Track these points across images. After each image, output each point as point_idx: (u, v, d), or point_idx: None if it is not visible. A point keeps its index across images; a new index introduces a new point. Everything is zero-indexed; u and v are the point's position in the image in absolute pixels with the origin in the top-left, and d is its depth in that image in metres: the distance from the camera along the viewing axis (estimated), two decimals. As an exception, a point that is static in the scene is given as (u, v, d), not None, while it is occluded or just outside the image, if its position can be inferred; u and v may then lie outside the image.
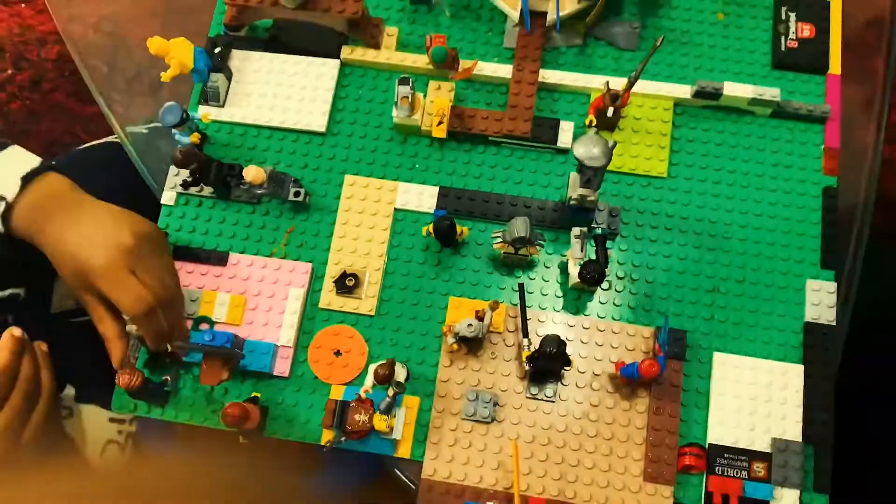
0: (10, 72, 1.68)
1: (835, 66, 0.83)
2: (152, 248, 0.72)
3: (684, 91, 0.81)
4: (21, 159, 0.74)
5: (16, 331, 0.71)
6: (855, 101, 0.88)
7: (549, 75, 0.83)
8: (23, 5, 1.74)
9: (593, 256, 0.74)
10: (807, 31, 0.83)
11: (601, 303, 0.76)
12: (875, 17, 0.93)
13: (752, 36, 0.85)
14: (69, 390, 0.85)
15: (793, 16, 0.84)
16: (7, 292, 0.81)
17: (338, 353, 0.76)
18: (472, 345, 0.75)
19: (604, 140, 0.67)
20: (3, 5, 1.74)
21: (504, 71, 0.83)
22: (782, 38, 0.83)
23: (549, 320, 0.76)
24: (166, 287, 0.72)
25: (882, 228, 0.87)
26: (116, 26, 1.15)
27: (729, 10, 0.86)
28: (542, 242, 0.74)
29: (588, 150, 0.67)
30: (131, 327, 0.72)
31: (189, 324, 0.77)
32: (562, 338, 0.69)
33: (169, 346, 0.72)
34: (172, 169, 0.82)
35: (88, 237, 0.69)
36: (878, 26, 0.89)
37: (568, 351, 0.70)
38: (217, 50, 0.84)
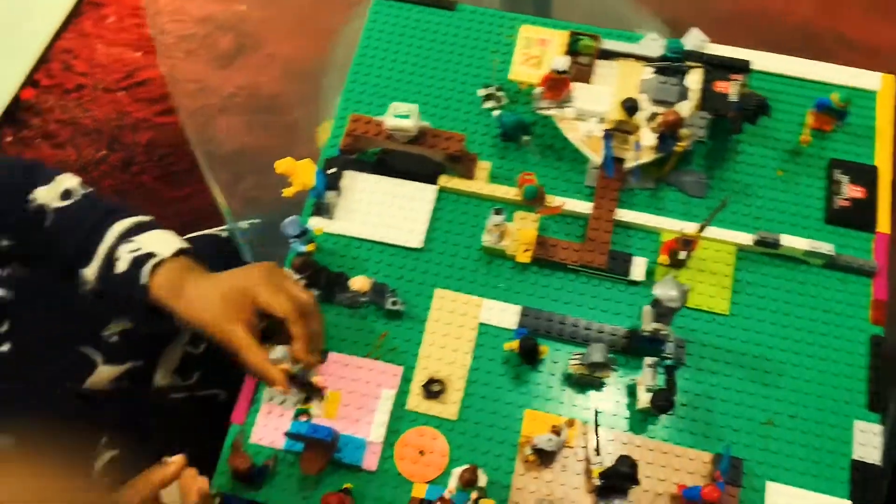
0: (104, 153, 1.83)
1: (883, 225, 0.92)
2: (286, 274, 0.87)
3: (746, 238, 0.91)
4: (171, 237, 0.87)
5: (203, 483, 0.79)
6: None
7: (624, 214, 0.93)
8: (122, 93, 1.90)
9: (661, 384, 0.82)
10: (858, 192, 0.93)
11: (665, 427, 0.84)
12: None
13: (807, 192, 0.94)
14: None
15: (845, 178, 0.94)
16: (128, 365, 0.90)
17: (422, 452, 0.83)
18: (545, 457, 0.82)
19: (681, 284, 0.76)
20: (104, 91, 1.91)
21: (584, 207, 0.93)
22: (835, 197, 0.93)
23: (617, 439, 0.83)
24: (309, 294, 0.84)
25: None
26: (208, 118, 1.29)
27: (787, 168, 0.96)
28: (614, 367, 0.82)
29: (666, 291, 0.76)
30: (276, 354, 0.80)
31: (291, 413, 0.85)
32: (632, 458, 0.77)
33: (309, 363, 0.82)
34: (288, 271, 0.92)
35: (236, 272, 0.84)
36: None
37: (634, 470, 0.78)
38: (332, 170, 0.95)
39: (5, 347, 0.79)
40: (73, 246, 0.86)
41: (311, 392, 0.85)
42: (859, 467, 0.81)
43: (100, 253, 0.85)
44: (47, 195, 0.86)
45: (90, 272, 0.86)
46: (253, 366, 0.79)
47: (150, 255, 0.83)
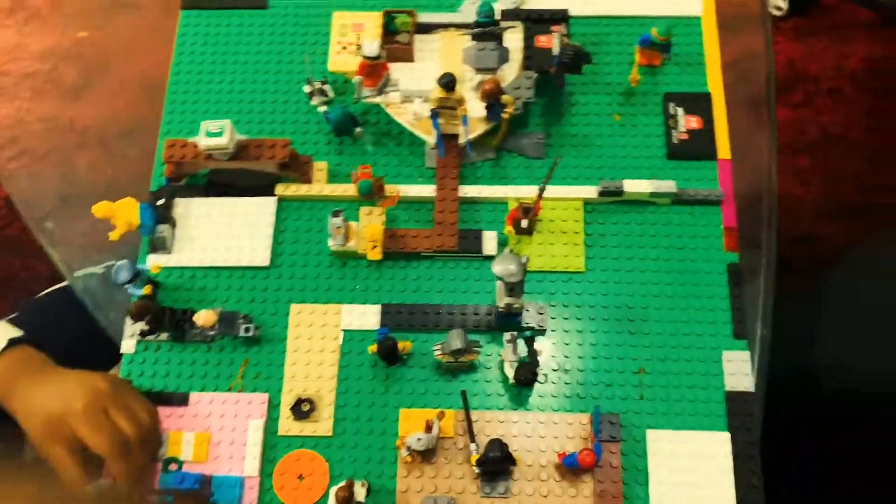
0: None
1: (723, 151, 0.92)
2: (125, 390, 0.79)
3: (591, 191, 0.90)
4: (3, 328, 0.82)
5: None
6: (746, 176, 0.95)
7: (468, 190, 0.91)
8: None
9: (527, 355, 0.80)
10: (694, 122, 0.92)
11: (539, 396, 0.83)
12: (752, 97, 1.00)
13: (646, 132, 0.94)
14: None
15: (680, 110, 0.93)
16: None
17: (301, 477, 0.81)
18: (425, 453, 0.80)
19: (517, 256, 0.74)
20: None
21: (428, 190, 0.91)
22: (673, 132, 0.92)
23: (495, 419, 0.82)
24: (141, 425, 0.77)
25: (786, 289, 0.95)
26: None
27: (624, 111, 0.95)
28: (477, 349, 0.81)
29: (505, 267, 0.74)
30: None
31: (159, 465, 0.81)
32: (503, 439, 0.75)
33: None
34: (129, 319, 0.87)
35: (62, 389, 0.77)
36: (756, 106, 0.98)
37: (513, 447, 0.77)
38: (160, 202, 0.90)
39: None
40: None
41: None
42: (733, 397, 0.82)
43: None
44: None
45: None
46: (66, 484, 0.75)
47: None
